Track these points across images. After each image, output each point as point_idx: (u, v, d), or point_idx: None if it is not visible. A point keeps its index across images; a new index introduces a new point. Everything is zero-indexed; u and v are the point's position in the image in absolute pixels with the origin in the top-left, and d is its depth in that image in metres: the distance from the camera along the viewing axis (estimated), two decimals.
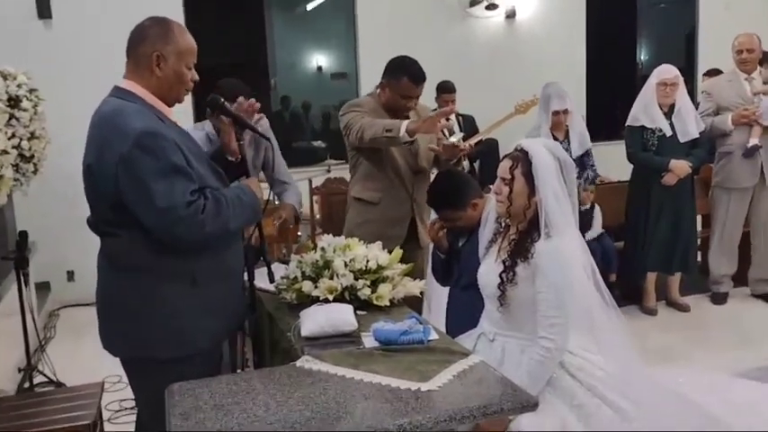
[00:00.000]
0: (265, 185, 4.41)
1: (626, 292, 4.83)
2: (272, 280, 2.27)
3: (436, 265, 3.00)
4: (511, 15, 6.58)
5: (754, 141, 4.50)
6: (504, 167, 2.26)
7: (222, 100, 2.21)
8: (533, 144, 2.24)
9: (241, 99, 2.28)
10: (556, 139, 4.29)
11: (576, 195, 2.29)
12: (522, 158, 2.22)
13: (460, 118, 5.54)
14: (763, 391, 3.29)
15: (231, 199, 1.96)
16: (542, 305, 2.12)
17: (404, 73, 3.06)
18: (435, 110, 5.32)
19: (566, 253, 2.15)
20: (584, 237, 4.44)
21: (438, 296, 3.38)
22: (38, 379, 3.60)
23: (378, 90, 3.22)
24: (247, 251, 2.12)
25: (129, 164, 1.82)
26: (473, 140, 4.98)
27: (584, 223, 4.70)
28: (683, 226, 4.48)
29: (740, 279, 4.93)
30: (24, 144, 3.71)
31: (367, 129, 2.94)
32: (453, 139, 4.80)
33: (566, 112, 4.27)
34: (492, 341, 2.27)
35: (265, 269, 2.60)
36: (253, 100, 2.27)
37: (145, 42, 1.95)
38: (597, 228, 4.74)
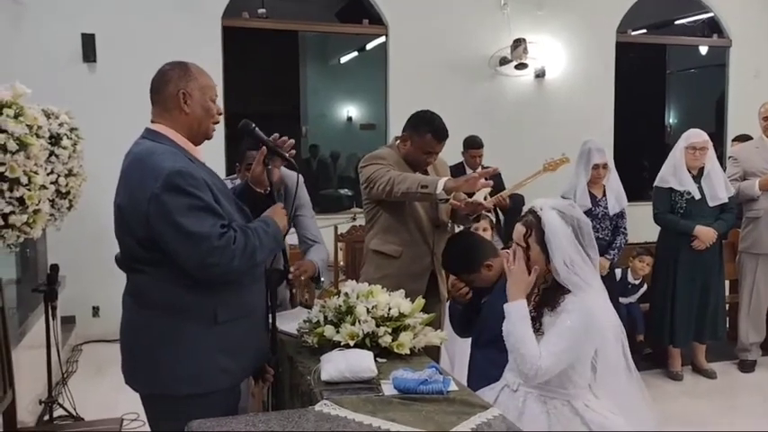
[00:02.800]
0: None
1: (651, 355, 4.76)
2: (294, 303, 2.28)
3: (454, 317, 2.99)
4: (540, 75, 6.68)
5: None
6: (518, 233, 2.25)
7: (253, 125, 2.24)
8: (546, 209, 2.21)
9: (276, 135, 2.31)
10: (594, 196, 4.30)
11: (596, 251, 2.27)
12: (536, 225, 2.21)
13: None
14: None
15: (255, 230, 2.00)
16: (553, 335, 2.10)
17: (428, 129, 3.06)
18: (460, 164, 5.45)
19: (596, 310, 2.14)
20: (618, 300, 4.48)
21: (462, 353, 3.35)
22: (58, 412, 3.62)
23: (397, 142, 3.21)
24: (271, 274, 2.13)
25: (161, 202, 1.87)
26: (504, 194, 5.01)
27: (628, 292, 4.69)
28: (712, 293, 4.42)
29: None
30: (62, 180, 3.83)
31: (398, 183, 2.91)
32: (480, 195, 4.85)
33: (605, 166, 4.29)
34: (515, 391, 2.25)
35: (287, 312, 2.63)
36: (286, 137, 2.30)
37: (168, 84, 2.04)
38: (634, 298, 4.72)
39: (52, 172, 3.70)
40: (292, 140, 2.32)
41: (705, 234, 4.26)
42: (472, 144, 5.55)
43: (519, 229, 2.25)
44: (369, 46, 7.28)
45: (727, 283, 4.82)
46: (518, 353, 2.10)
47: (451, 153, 5.49)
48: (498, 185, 5.35)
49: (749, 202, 4.62)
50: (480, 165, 5.58)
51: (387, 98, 6.51)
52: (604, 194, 4.34)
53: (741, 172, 4.64)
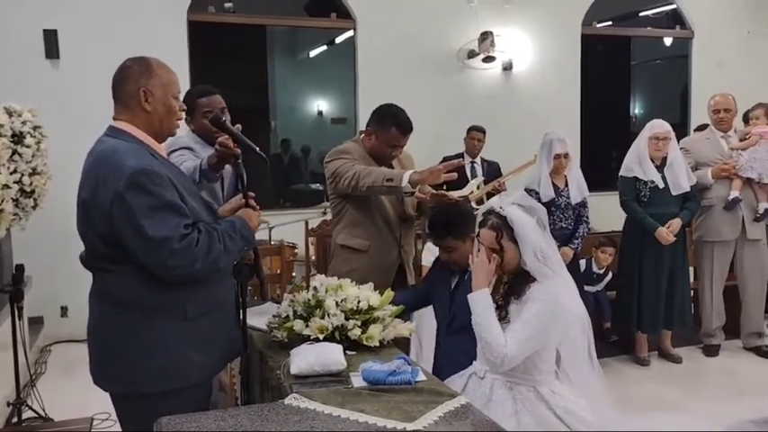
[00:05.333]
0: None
1: (618, 341, 4.85)
2: (264, 295, 2.30)
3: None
4: (508, 68, 6.74)
5: (734, 194, 4.58)
6: (489, 238, 2.27)
7: (224, 118, 2.31)
8: (508, 206, 2.27)
9: (239, 126, 2.36)
10: (556, 186, 4.37)
11: (551, 239, 2.34)
12: (504, 225, 2.26)
13: (485, 163, 5.73)
14: None
15: (222, 233, 2.00)
16: (519, 324, 2.14)
17: (392, 123, 3.07)
18: (460, 155, 5.51)
19: (561, 298, 2.19)
20: (583, 288, 4.56)
21: (429, 339, 3.38)
22: (27, 414, 3.58)
23: (362, 136, 3.21)
24: (241, 268, 2.14)
25: (124, 201, 1.86)
26: (500, 180, 5.08)
27: (593, 281, 4.77)
28: (678, 280, 4.51)
29: (732, 331, 4.93)
30: (25, 179, 3.77)
31: (363, 177, 2.92)
32: (473, 183, 4.92)
33: (566, 156, 4.37)
34: (482, 378, 2.30)
35: (257, 307, 2.64)
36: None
37: (129, 81, 2.02)
38: (600, 286, 4.80)
39: (15, 171, 3.64)
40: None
41: (664, 238, 4.33)
42: (473, 127, 5.75)
43: (488, 234, 2.27)
44: (338, 40, 7.25)
45: (691, 269, 4.93)
46: (484, 341, 2.14)
47: (455, 141, 5.63)
48: (495, 175, 5.46)
49: (702, 191, 4.70)
50: (480, 150, 5.75)
51: (356, 92, 6.51)
52: (566, 185, 4.42)
53: (692, 162, 4.73)
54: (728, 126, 4.73)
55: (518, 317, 2.17)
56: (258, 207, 2.21)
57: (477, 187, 5.10)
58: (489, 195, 5.19)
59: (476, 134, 5.71)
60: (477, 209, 5.10)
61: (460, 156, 5.58)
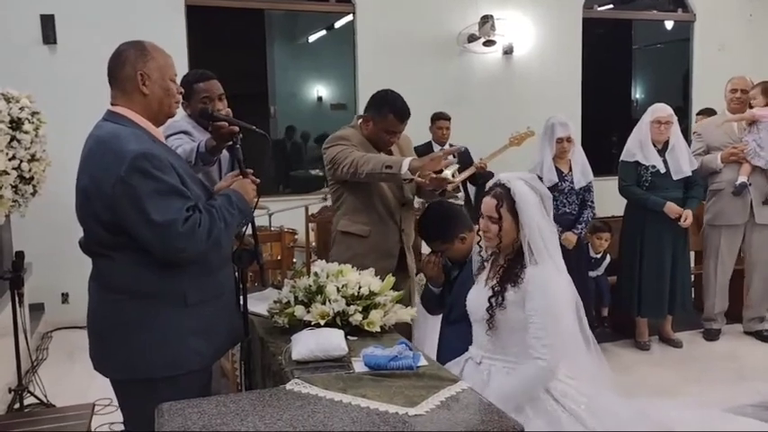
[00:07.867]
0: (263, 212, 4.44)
1: (619, 326, 4.86)
2: (264, 282, 2.35)
3: (430, 299, 3.01)
4: (508, 51, 6.69)
5: (742, 179, 4.57)
6: (489, 206, 2.29)
7: (212, 110, 2.38)
8: (514, 180, 2.28)
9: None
10: (560, 171, 4.34)
11: (553, 224, 2.34)
12: (506, 195, 2.26)
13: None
14: (755, 428, 3.31)
15: (220, 209, 2.00)
16: (533, 327, 2.16)
17: (389, 110, 3.05)
18: (428, 143, 5.48)
19: (553, 283, 2.20)
20: (587, 274, 4.56)
21: (433, 331, 3.39)
22: (28, 400, 3.59)
23: (359, 121, 3.19)
24: (241, 254, 2.13)
25: (127, 186, 1.85)
26: (466, 174, 5.09)
27: (593, 265, 4.76)
28: (679, 265, 4.50)
29: (732, 316, 4.94)
30: (24, 166, 3.76)
31: (362, 164, 2.91)
32: (448, 172, 4.88)
33: (569, 140, 4.33)
34: (479, 364, 2.30)
35: (258, 293, 2.64)
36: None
37: (126, 66, 2.00)
38: (600, 270, 4.79)
39: (14, 157, 3.63)
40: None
41: (674, 211, 4.34)
42: (439, 116, 5.61)
43: (489, 201, 2.30)
44: (337, 24, 7.20)
45: (692, 254, 4.92)
46: (534, 390, 2.16)
47: (455, 125, 5.59)
48: (467, 162, 5.42)
49: (712, 175, 4.71)
50: (448, 138, 5.64)
51: (356, 77, 6.47)
52: (570, 169, 4.38)
53: (705, 147, 4.74)
54: (743, 108, 4.71)
55: (523, 313, 2.16)
56: (258, 181, 2.19)
57: (453, 175, 5.06)
58: (472, 178, 5.22)
59: (442, 122, 5.58)
60: (457, 196, 5.11)
61: (428, 145, 5.53)
